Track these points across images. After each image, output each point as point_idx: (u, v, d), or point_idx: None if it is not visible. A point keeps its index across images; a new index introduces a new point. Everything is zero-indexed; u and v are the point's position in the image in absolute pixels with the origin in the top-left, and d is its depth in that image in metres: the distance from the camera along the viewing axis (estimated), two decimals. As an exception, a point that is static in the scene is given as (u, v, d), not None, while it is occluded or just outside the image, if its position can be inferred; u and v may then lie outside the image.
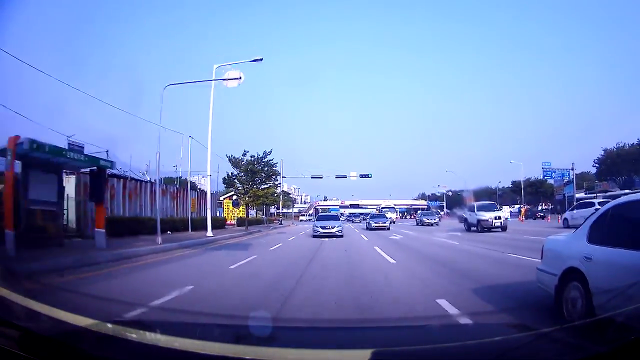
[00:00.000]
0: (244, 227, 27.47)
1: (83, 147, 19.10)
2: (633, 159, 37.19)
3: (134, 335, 1.69)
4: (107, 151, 20.75)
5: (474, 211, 22.85)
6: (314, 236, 19.88)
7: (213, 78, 19.60)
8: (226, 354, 1.45)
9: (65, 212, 13.23)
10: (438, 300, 5.13)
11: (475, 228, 21.89)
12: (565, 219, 22.98)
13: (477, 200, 26.95)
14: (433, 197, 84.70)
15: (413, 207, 73.65)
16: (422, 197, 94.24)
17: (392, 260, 9.75)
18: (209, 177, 22.71)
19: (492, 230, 20.89)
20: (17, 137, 9.04)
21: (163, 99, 16.22)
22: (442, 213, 49.65)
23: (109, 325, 1.78)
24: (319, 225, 20.60)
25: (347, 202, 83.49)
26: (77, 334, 1.59)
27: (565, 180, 43.26)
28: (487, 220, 21.14)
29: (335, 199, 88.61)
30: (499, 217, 21.26)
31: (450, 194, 68.64)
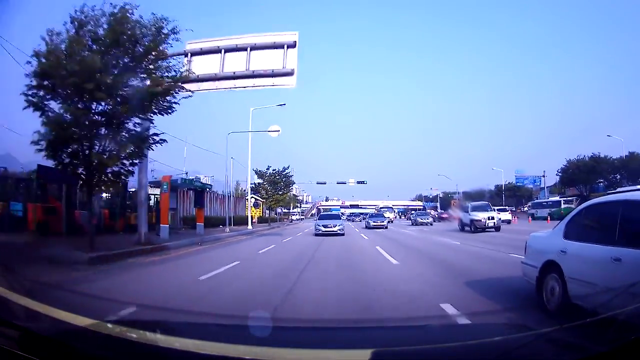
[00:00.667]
0: (266, 223, 37.76)
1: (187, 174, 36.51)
2: (588, 170, 43.89)
3: (134, 335, 1.69)
4: (187, 172, 37.42)
5: (467, 212, 22.83)
6: (316, 234, 20.14)
7: (250, 118, 28.11)
8: (226, 354, 1.45)
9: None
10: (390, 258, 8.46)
11: (469, 228, 21.87)
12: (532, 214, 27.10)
13: (466, 201, 27.65)
14: (428, 199, 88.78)
15: (410, 207, 76.39)
16: (419, 198, 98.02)
17: (383, 252, 11.13)
18: (248, 187, 36.54)
19: (486, 230, 20.89)
20: (170, 176, 19.59)
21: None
22: (434, 213, 51.08)
23: (109, 325, 1.78)
24: (321, 224, 20.96)
25: (348, 203, 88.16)
26: (77, 334, 1.59)
27: (539, 186, 49.04)
28: (481, 220, 21.13)
29: (336, 199, 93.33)
30: (492, 218, 21.25)
31: (441, 195, 74.72)
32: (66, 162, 10.29)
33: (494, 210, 23.89)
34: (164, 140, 11.99)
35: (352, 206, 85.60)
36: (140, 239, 12.87)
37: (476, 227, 21.09)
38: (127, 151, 10.73)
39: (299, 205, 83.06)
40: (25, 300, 1.74)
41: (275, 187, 36.98)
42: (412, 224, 35.30)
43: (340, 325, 4.15)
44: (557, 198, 42.29)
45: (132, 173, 12.09)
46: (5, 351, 1.37)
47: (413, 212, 51.20)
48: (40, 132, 9.73)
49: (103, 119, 10.50)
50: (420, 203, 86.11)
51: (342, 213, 46.55)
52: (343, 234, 20.02)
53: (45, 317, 1.66)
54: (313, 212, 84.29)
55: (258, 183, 37.08)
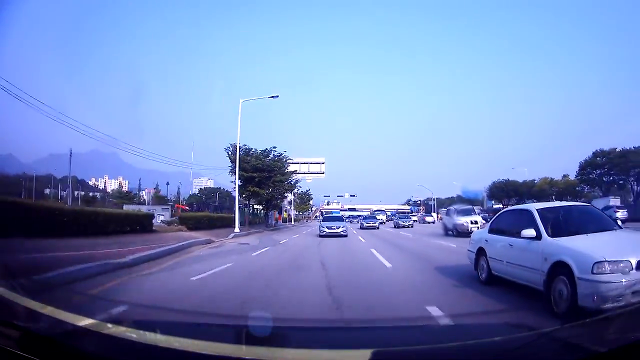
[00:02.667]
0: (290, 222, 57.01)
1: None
2: (502, 190, 57.91)
3: (134, 335, 1.69)
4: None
5: (450, 215, 22.15)
6: (320, 236, 21.09)
7: (239, 111, 27.13)
8: (226, 354, 1.45)
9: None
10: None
11: (452, 232, 21.04)
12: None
13: (439, 208, 29.22)
14: (415, 203, 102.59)
15: (399, 211, 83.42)
16: (408, 202, 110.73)
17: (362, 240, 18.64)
18: (291, 195, 52.69)
19: (470, 234, 19.84)
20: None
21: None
22: (417, 217, 56.95)
23: (109, 325, 1.78)
24: (325, 226, 22.18)
25: (346, 206, 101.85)
26: (77, 334, 1.59)
27: (482, 198, 64.11)
28: (463, 224, 20.30)
29: (336, 202, 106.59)
30: (476, 222, 20.16)
31: (420, 201, 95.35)
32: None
33: (478, 215, 23.04)
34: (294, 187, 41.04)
35: (349, 209, 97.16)
36: (278, 225, 42.39)
37: (459, 232, 20.07)
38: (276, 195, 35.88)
39: (311, 206, 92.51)
40: (25, 300, 1.74)
41: (269, 177, 30.15)
42: (395, 227, 36.10)
43: (340, 325, 4.15)
44: (499, 206, 52.46)
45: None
46: (5, 351, 1.37)
47: (394, 216, 57.70)
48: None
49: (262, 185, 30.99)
50: (407, 207, 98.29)
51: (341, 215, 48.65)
52: (346, 235, 20.92)
53: (45, 317, 1.66)
54: (317, 214, 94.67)
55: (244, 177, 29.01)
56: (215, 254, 12.12)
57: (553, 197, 46.73)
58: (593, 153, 41.56)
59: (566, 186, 47.30)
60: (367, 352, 1.41)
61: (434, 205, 72.30)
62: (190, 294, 5.99)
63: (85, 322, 1.69)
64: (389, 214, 74.06)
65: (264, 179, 29.87)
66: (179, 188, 73.77)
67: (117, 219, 16.61)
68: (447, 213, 23.82)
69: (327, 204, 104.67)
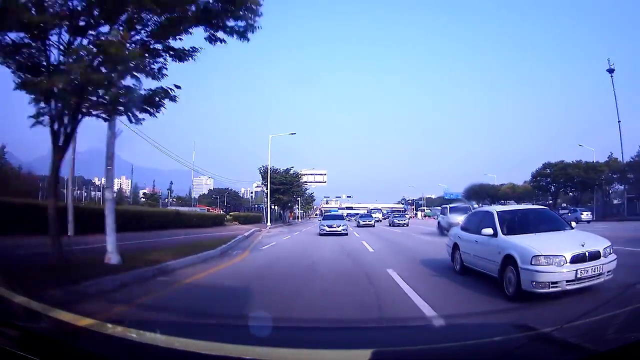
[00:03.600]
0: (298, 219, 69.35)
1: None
2: (476, 192, 63.87)
3: (134, 335, 1.69)
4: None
5: (446, 214, 20.67)
6: (320, 234, 21.10)
7: (269, 144, 42.14)
8: (226, 354, 1.45)
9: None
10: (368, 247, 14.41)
11: (447, 232, 19.07)
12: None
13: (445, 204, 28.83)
14: (408, 202, 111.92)
15: (393, 209, 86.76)
16: (402, 201, 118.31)
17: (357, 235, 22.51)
18: (298, 201, 62.32)
19: None
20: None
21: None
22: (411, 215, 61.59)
23: (109, 325, 1.78)
24: (325, 224, 22.03)
25: (343, 205, 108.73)
26: (77, 334, 1.59)
27: (462, 199, 68.63)
28: (458, 223, 18.42)
29: (334, 201, 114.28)
30: None
31: (412, 200, 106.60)
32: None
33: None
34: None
35: (347, 208, 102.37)
36: (290, 221, 56.45)
37: None
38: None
39: (313, 206, 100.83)
40: (25, 300, 1.73)
41: (289, 188, 47.32)
42: (390, 225, 35.60)
43: (340, 325, 4.16)
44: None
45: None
46: (5, 351, 1.37)
47: (390, 214, 58.47)
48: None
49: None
50: (401, 206, 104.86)
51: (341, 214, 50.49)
52: (346, 234, 21.01)
53: (45, 317, 1.66)
54: (317, 212, 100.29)
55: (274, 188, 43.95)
56: (273, 235, 23.65)
57: (513, 200, 54.29)
58: (543, 164, 48.18)
59: (525, 191, 55.71)
60: (367, 352, 1.41)
61: (423, 204, 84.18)
62: (287, 242, 17.22)
63: (85, 322, 1.69)
64: (384, 212, 76.42)
65: (286, 190, 47.01)
66: (190, 189, 75.62)
67: (207, 218, 34.83)
68: (442, 212, 22.37)
69: (327, 203, 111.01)
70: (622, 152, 34.80)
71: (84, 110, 7.28)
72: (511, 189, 60.67)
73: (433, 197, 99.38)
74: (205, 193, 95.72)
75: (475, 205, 28.25)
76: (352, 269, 8.87)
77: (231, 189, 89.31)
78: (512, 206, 7.67)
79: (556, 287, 4.89)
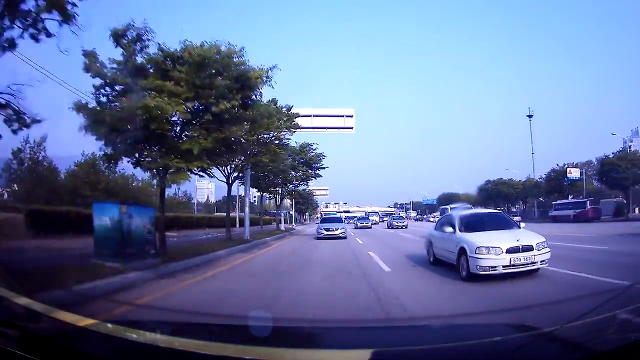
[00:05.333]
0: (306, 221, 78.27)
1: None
2: (447, 199, 69.00)
3: (134, 335, 1.69)
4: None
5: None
6: (318, 238, 20.24)
7: None
8: (226, 354, 1.45)
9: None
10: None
11: None
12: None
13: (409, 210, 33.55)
14: (399, 206, 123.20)
15: (387, 213, 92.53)
16: (395, 205, 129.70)
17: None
18: (293, 206, 61.24)
19: None
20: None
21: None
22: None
23: (109, 325, 1.78)
24: (322, 228, 21.03)
25: (341, 209, 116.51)
26: (77, 334, 1.59)
27: (435, 204, 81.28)
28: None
29: (333, 204, 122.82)
30: None
31: (403, 204, 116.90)
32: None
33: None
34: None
35: (344, 212, 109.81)
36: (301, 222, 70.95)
37: None
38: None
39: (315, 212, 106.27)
40: (25, 300, 1.73)
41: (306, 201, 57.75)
42: (388, 227, 35.10)
43: (340, 325, 4.15)
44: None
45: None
46: (5, 351, 1.37)
47: (387, 216, 61.12)
48: None
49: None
50: (393, 209, 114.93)
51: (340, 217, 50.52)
52: (345, 237, 20.15)
53: (45, 317, 1.66)
54: (317, 216, 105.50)
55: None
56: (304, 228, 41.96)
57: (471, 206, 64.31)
58: (485, 181, 63.55)
59: (476, 199, 66.65)
60: (367, 352, 1.41)
61: (410, 207, 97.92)
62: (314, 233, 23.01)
63: (85, 322, 1.69)
64: (380, 214, 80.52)
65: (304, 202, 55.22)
66: (207, 197, 78.12)
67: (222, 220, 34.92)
68: (442, 213, 22.65)
69: (326, 207, 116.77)
70: (534, 173, 53.13)
71: None
72: (467, 197, 75.22)
73: (421, 200, 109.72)
74: (207, 198, 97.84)
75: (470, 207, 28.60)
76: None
77: (240, 195, 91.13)
78: (474, 210, 9.00)
79: (495, 270, 6.38)
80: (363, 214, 60.90)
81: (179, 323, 3.13)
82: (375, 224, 45.90)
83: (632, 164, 37.46)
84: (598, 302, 1.79)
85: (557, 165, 51.69)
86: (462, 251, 6.93)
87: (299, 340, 1.98)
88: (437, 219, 22.93)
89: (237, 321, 3.99)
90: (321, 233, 20.65)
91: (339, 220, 24.50)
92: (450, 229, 7.84)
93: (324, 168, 30.85)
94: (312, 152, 28.47)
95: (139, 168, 9.44)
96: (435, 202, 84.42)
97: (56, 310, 1.73)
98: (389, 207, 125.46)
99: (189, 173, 9.48)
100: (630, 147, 50.43)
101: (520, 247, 6.56)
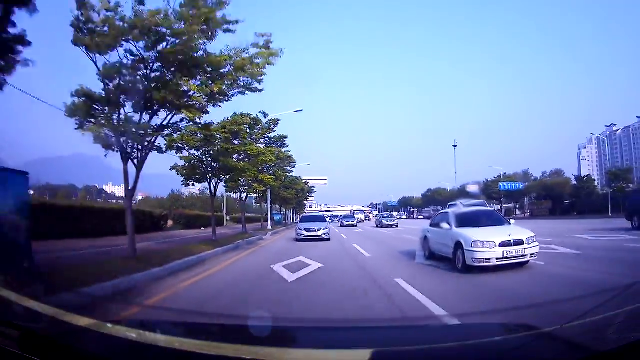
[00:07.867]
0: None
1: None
2: (441, 198, 73.77)
3: (134, 335, 1.69)
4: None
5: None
6: (297, 240, 17.99)
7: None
8: (226, 354, 1.45)
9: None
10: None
11: None
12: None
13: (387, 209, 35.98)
14: (374, 206, 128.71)
15: (364, 211, 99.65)
16: (370, 205, 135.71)
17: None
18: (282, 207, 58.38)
19: None
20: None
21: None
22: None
23: (109, 325, 1.78)
24: (303, 228, 18.51)
25: (323, 209, 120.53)
26: (77, 334, 1.59)
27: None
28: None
29: (317, 204, 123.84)
30: None
31: (379, 204, 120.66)
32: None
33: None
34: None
35: (326, 211, 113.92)
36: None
37: None
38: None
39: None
40: (25, 300, 1.73)
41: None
42: (377, 226, 33.65)
43: (340, 325, 4.15)
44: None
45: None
46: (5, 351, 1.37)
47: (377, 214, 61.02)
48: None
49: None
50: (369, 209, 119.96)
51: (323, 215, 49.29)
52: (329, 239, 17.84)
53: (45, 317, 1.66)
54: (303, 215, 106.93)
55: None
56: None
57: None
58: (427, 189, 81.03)
59: (420, 202, 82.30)
60: (367, 352, 1.41)
61: (382, 207, 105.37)
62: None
63: (85, 322, 1.69)
64: (366, 213, 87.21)
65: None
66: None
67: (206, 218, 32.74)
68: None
69: (310, 207, 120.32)
70: (456, 185, 61.45)
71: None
72: (417, 201, 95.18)
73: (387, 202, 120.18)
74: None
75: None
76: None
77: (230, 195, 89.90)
78: (467, 208, 9.33)
79: (489, 262, 7.05)
80: (349, 212, 64.34)
81: (179, 323, 3.14)
82: (360, 221, 49.81)
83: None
84: (598, 301, 1.79)
85: (486, 179, 59.44)
86: (459, 245, 7.60)
87: (298, 340, 1.98)
88: (429, 217, 24.84)
89: (237, 321, 4.00)
90: (301, 234, 18.17)
91: (322, 219, 21.37)
92: (446, 226, 8.47)
93: (293, 161, 29.50)
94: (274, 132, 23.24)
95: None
96: (397, 204, 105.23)
97: (56, 310, 1.73)
98: (363, 207, 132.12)
99: None
100: (579, 154, 67.73)
101: (512, 241, 7.26)
